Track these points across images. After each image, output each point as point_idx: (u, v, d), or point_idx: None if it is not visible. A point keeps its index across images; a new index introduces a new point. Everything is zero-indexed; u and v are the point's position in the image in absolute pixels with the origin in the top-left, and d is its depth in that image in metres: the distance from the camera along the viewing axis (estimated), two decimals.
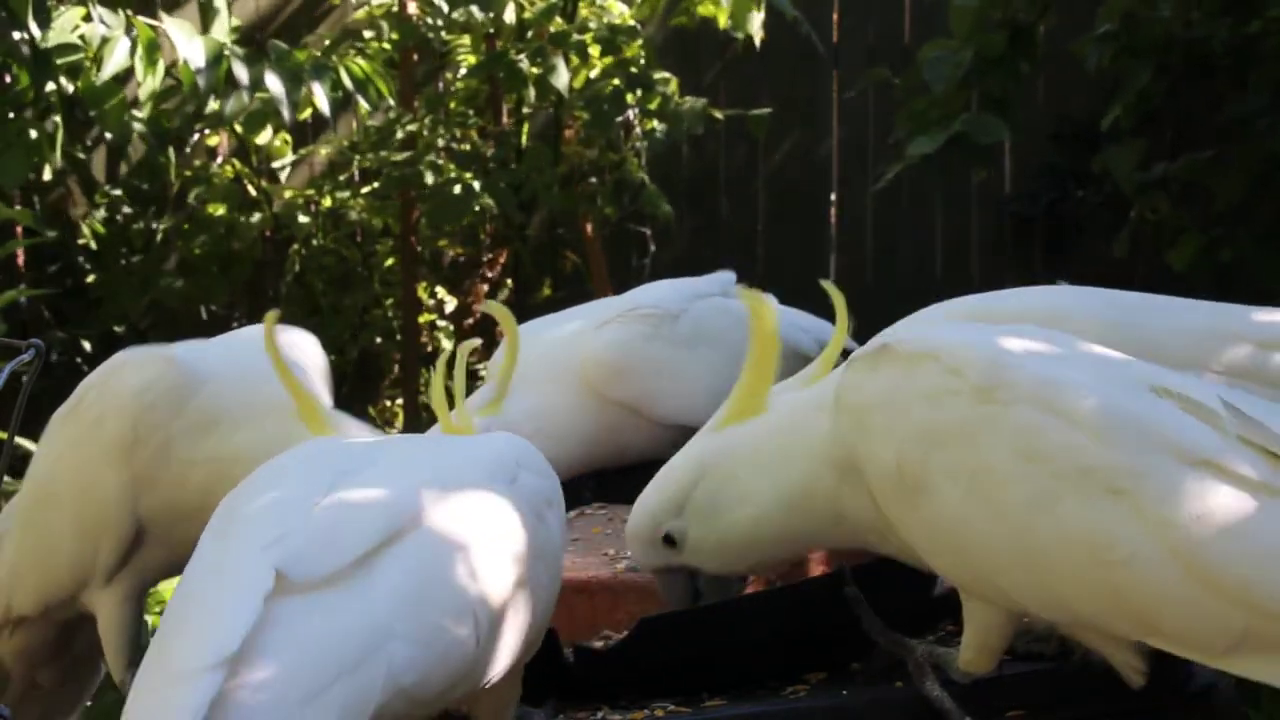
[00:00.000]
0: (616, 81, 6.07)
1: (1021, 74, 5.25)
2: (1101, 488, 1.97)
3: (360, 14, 6.11)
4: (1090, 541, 1.97)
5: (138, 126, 4.99)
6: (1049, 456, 2.00)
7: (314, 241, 6.36)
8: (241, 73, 4.85)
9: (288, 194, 6.33)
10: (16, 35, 4.62)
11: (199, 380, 2.66)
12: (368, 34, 6.03)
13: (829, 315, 3.02)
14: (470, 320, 6.95)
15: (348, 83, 5.13)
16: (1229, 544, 1.92)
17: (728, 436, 2.30)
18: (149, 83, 4.73)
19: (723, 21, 5.96)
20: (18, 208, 5.23)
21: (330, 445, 2.12)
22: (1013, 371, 2.07)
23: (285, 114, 5.00)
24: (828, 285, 2.46)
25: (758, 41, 5.94)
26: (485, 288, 6.85)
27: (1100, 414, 2.00)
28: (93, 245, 5.72)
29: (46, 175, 5.20)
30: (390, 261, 6.69)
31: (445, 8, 5.64)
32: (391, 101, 5.83)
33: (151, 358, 2.75)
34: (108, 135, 5.14)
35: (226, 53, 4.82)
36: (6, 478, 4.03)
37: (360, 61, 5.26)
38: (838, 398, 2.18)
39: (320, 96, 5.02)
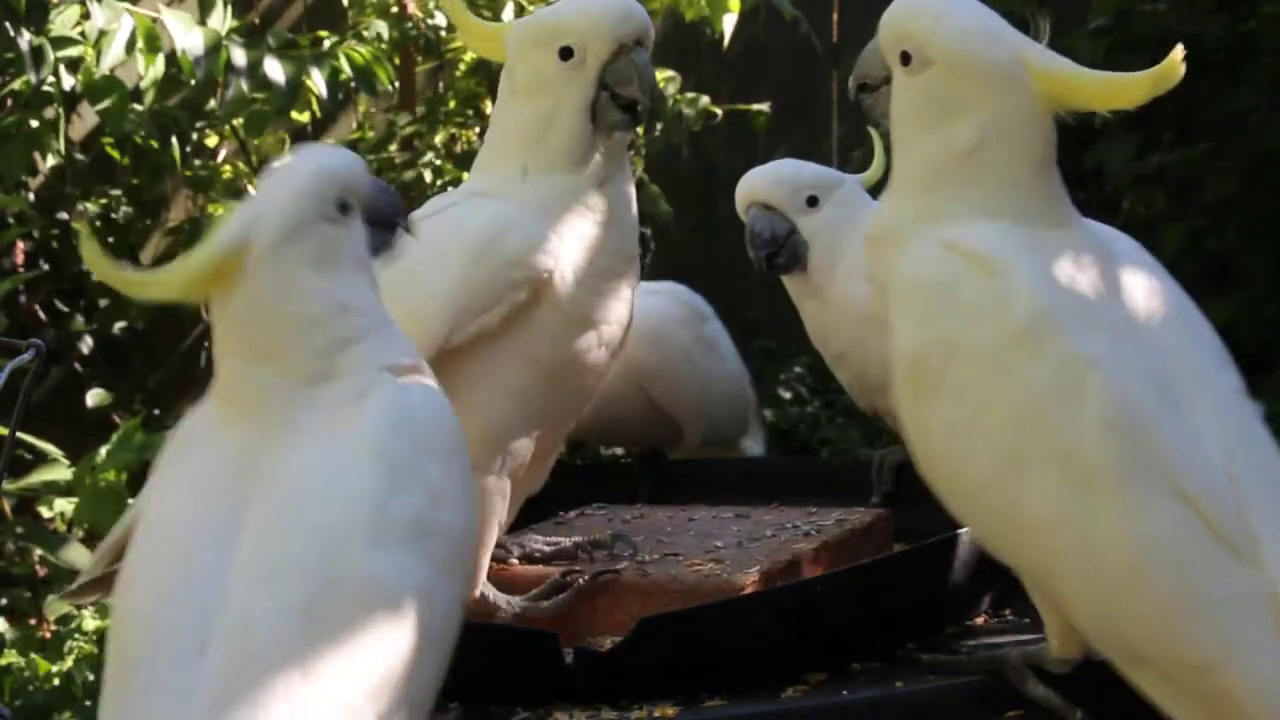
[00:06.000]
0: None
1: None
2: (1077, 475, 1.97)
3: (363, 20, 6.10)
4: (1046, 519, 1.98)
5: (139, 121, 4.98)
6: (1043, 425, 1.99)
7: None
8: (240, 58, 4.83)
9: None
10: (13, 31, 4.62)
11: None
12: (367, 34, 6.01)
13: None
14: None
15: (347, 70, 5.10)
16: (1163, 577, 1.94)
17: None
18: (151, 71, 4.71)
19: (690, 14, 5.93)
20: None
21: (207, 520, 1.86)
22: (1055, 332, 2.02)
23: (284, 100, 4.97)
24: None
25: (728, 41, 5.91)
26: None
27: (1113, 410, 1.97)
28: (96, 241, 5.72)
29: (51, 161, 5.19)
30: None
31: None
32: (391, 90, 5.80)
33: None
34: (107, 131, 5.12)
35: (225, 43, 4.81)
36: (6, 478, 4.03)
37: (361, 49, 5.23)
38: (906, 265, 2.14)
39: (320, 82, 5.00)
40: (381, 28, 5.70)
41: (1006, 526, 2.04)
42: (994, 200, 2.13)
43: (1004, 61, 2.13)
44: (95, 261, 1.88)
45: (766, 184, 3.00)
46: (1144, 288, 2.13)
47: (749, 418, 3.70)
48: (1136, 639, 1.97)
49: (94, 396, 5.20)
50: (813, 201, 2.98)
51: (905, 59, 2.19)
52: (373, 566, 1.78)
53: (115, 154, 5.26)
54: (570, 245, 2.41)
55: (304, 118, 5.54)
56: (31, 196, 5.47)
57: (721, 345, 3.55)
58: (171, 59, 4.89)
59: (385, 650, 1.77)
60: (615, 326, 2.48)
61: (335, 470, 1.84)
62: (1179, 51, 2.06)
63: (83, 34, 4.75)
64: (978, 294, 2.05)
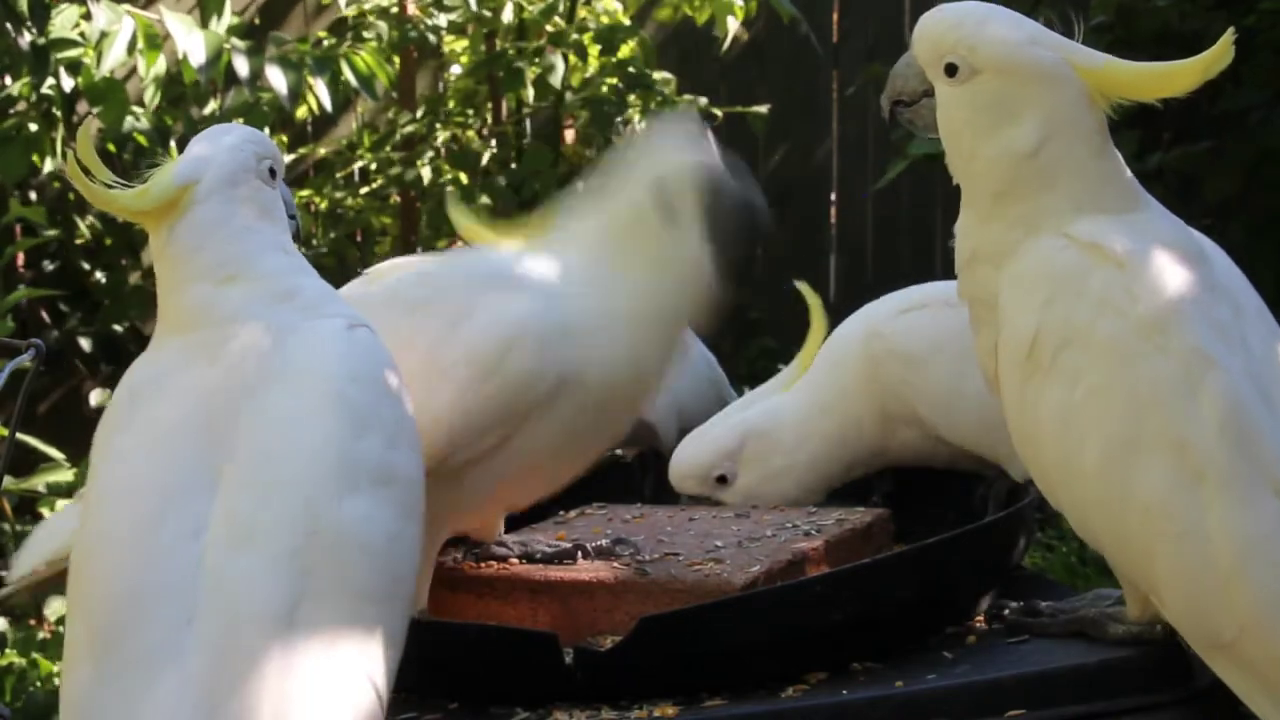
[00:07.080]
0: (614, 80, 6.05)
1: None
2: (1189, 467, 2.03)
3: (352, 10, 6.06)
4: (1153, 506, 2.04)
5: (141, 124, 4.98)
6: (1161, 414, 2.05)
7: (314, 242, 6.35)
8: (242, 66, 4.82)
9: None
10: (14, 32, 4.62)
11: None
12: (367, 34, 6.01)
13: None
14: None
15: (350, 77, 5.10)
16: (1262, 571, 2.00)
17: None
18: (152, 72, 4.71)
19: (700, 18, 5.92)
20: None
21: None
22: (1181, 327, 2.08)
23: (287, 106, 4.96)
24: (803, 287, 2.87)
25: (727, 43, 5.90)
26: None
27: (1228, 407, 2.04)
28: (91, 243, 5.72)
29: (48, 166, 5.20)
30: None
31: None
32: (393, 94, 5.79)
33: None
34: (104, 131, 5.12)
35: (226, 46, 4.80)
36: (7, 478, 4.03)
37: (364, 55, 5.22)
38: (1028, 259, 2.17)
39: (323, 91, 4.99)
40: (382, 28, 5.70)
41: (1109, 511, 2.10)
42: (1074, 194, 2.18)
43: (1051, 61, 2.17)
44: (74, 168, 1.98)
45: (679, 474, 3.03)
46: (1230, 278, 2.22)
47: (720, 397, 3.66)
48: (1226, 629, 2.02)
49: (95, 396, 5.21)
50: (722, 480, 2.98)
51: (950, 70, 2.21)
52: (346, 515, 1.82)
53: (113, 149, 5.26)
54: (598, 345, 2.36)
55: (303, 113, 5.54)
56: (34, 196, 5.47)
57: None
58: (172, 62, 4.89)
59: (366, 600, 1.81)
60: (633, 414, 2.51)
61: (302, 418, 1.88)
62: (1229, 36, 2.09)
63: (83, 35, 4.75)
64: (1106, 282, 2.11)
